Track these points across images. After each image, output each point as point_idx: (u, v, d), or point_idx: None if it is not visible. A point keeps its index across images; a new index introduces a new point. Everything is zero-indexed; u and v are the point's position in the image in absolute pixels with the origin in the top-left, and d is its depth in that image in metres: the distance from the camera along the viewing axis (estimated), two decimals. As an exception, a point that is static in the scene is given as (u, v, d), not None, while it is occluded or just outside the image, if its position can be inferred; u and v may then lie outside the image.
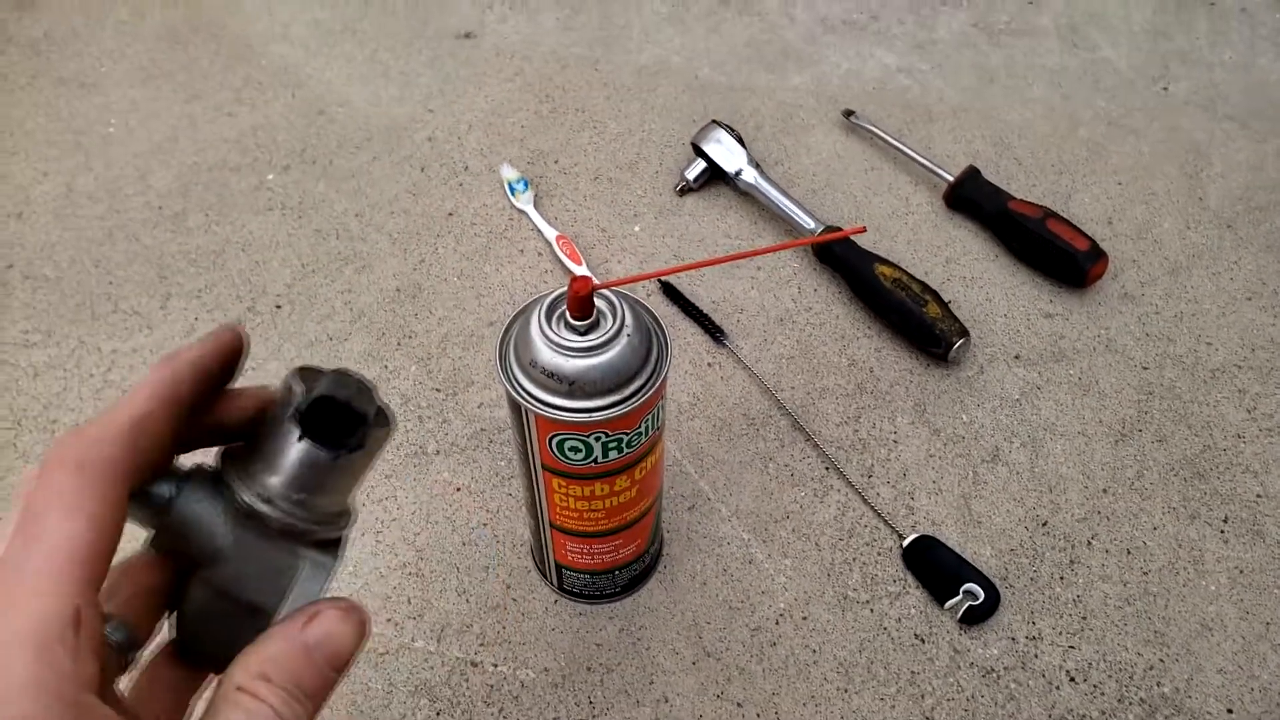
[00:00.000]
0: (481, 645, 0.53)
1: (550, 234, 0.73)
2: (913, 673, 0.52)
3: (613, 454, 0.42)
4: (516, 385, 0.40)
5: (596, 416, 0.39)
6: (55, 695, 0.18)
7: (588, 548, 0.49)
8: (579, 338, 0.39)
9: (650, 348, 0.41)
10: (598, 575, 0.52)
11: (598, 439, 0.40)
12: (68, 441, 0.21)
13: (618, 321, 0.39)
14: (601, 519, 0.47)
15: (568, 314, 0.39)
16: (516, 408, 0.41)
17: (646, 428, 0.42)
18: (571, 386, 0.38)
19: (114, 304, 0.70)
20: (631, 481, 0.45)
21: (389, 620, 0.54)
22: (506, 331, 0.42)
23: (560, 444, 0.41)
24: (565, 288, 0.38)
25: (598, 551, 0.50)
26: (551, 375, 0.38)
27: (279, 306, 0.71)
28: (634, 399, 0.39)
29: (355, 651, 0.25)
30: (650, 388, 0.40)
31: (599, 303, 0.40)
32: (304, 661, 0.23)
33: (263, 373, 0.66)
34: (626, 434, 0.41)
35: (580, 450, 0.41)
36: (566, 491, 0.44)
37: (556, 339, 0.38)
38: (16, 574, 0.19)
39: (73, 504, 0.20)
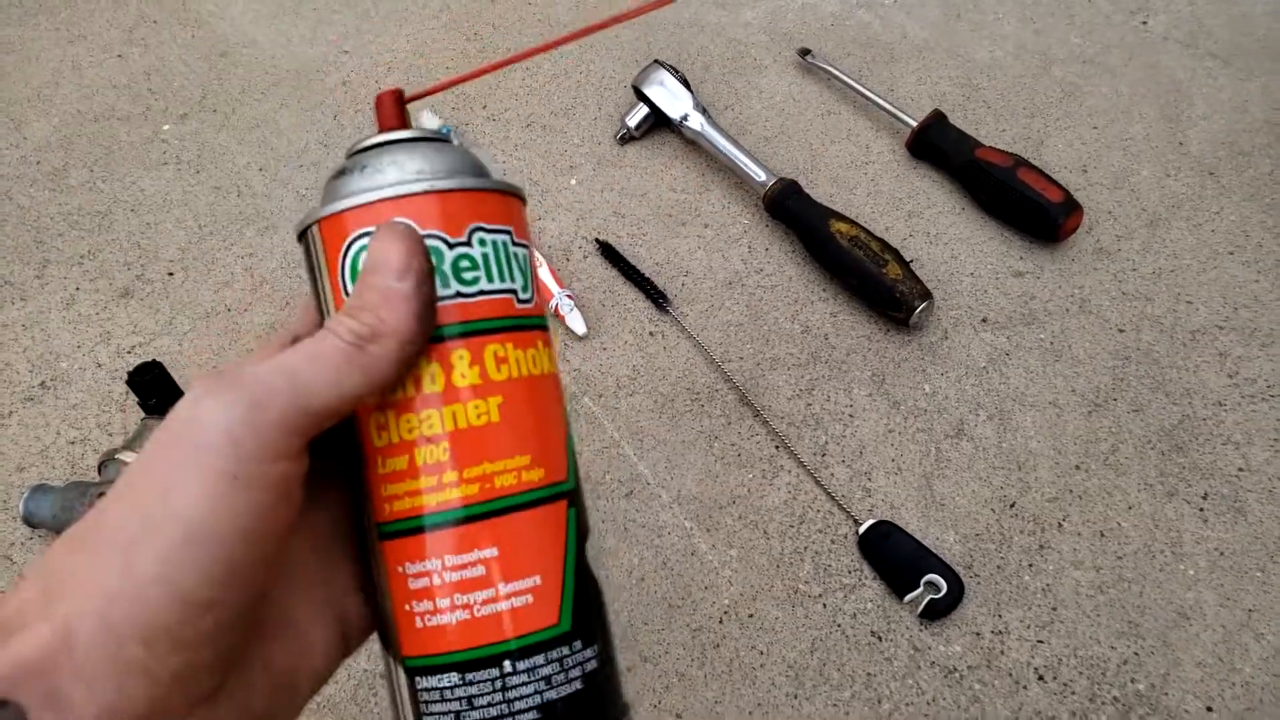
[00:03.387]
0: (392, 655, 0.48)
1: (475, 189, 0.66)
2: (869, 674, 0.47)
3: (433, 285, 0.25)
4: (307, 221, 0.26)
5: (397, 190, 0.25)
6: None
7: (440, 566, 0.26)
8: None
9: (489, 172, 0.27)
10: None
11: None
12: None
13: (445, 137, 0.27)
14: (446, 472, 0.25)
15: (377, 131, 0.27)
16: (308, 258, 0.26)
17: (490, 259, 0.26)
18: (364, 169, 0.25)
19: (-18, 273, 0.63)
20: (482, 375, 0.25)
21: (287, 631, 0.48)
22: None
23: (356, 261, 0.25)
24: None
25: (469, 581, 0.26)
26: (340, 171, 0.26)
27: (171, 274, 0.63)
28: (451, 182, 0.25)
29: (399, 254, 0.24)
30: (484, 187, 0.26)
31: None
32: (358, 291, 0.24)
33: (152, 349, 0.59)
34: (448, 241, 0.25)
35: None
36: (384, 417, 0.25)
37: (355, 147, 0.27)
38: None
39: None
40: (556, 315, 0.59)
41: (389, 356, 0.23)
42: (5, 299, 0.62)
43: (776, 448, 0.55)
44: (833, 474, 0.54)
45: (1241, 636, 0.49)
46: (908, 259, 0.61)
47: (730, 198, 0.67)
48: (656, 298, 0.61)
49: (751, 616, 0.49)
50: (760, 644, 0.48)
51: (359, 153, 0.26)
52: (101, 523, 0.21)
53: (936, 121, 0.68)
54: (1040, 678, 0.48)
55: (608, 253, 0.64)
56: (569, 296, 0.60)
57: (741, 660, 0.48)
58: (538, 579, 0.25)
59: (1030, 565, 0.51)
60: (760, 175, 0.65)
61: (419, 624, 0.25)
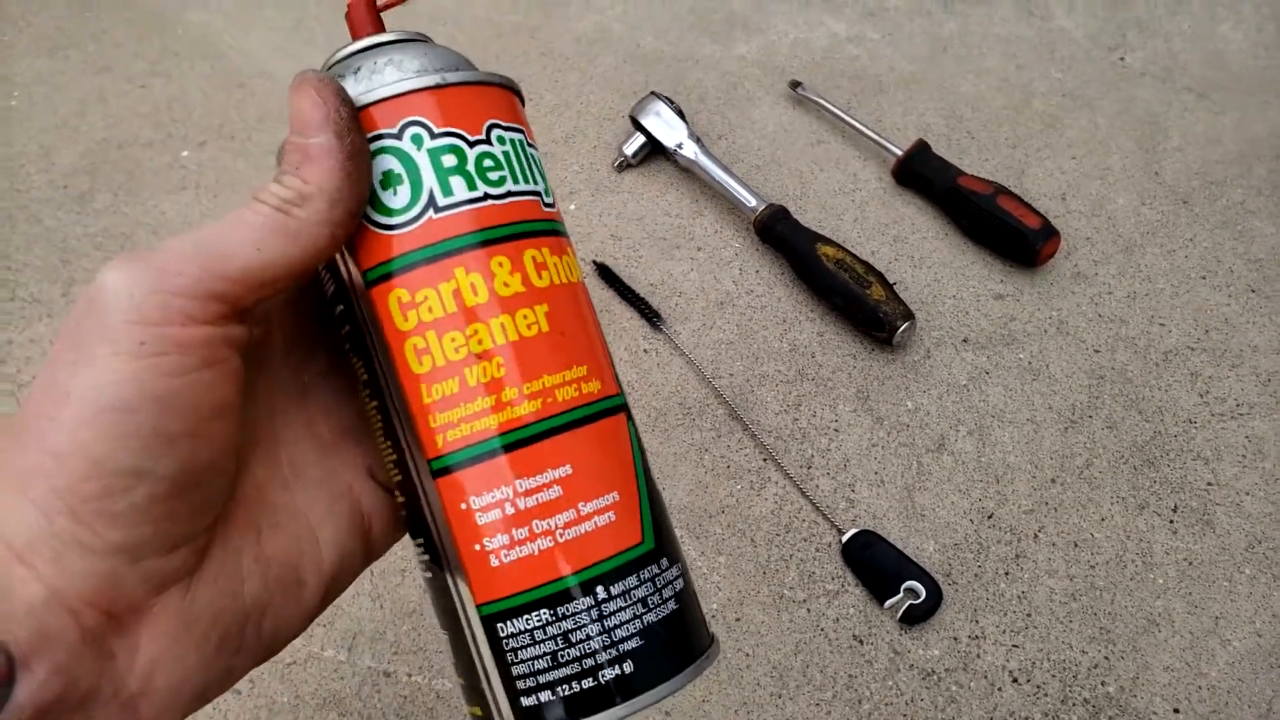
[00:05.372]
0: (395, 654, 0.50)
1: (480, 213, 0.69)
2: (850, 676, 0.50)
3: (458, 186, 0.23)
4: None
5: (403, 86, 0.23)
6: None
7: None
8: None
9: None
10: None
11: (417, 143, 0.23)
12: None
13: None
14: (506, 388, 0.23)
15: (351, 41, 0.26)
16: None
17: (512, 157, 0.24)
18: (358, 72, 0.24)
19: (11, 291, 0.66)
20: (525, 283, 0.23)
21: (296, 630, 0.51)
22: None
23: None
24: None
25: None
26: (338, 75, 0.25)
27: (189, 293, 0.66)
28: (460, 76, 0.24)
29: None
30: (493, 81, 0.24)
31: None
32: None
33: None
34: (468, 139, 0.23)
35: (400, 177, 0.23)
36: (416, 311, 0.23)
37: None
38: None
39: None
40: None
41: (319, 218, 0.21)
42: (33, 316, 0.65)
43: (764, 460, 0.58)
44: (818, 485, 0.57)
45: (1208, 642, 0.51)
46: (891, 281, 0.64)
47: (722, 222, 0.70)
48: (651, 317, 0.64)
49: (738, 620, 0.52)
50: (746, 646, 0.51)
51: (347, 58, 0.24)
52: (24, 407, 0.20)
53: (920, 151, 0.71)
54: (1014, 680, 0.50)
55: (604, 274, 0.67)
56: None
57: (728, 662, 0.50)
58: (616, 495, 0.23)
59: (1006, 573, 0.53)
60: (751, 201, 0.68)
61: (494, 562, 0.23)
